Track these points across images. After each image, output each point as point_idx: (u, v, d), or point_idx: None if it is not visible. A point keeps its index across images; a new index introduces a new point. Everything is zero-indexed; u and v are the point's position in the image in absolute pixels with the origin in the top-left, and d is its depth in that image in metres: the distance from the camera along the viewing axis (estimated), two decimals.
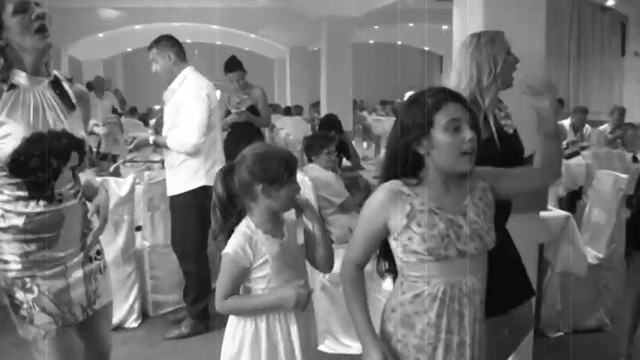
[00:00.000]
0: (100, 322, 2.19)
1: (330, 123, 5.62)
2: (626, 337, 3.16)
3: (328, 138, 4.14)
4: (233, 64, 5.28)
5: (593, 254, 3.78)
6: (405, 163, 1.70)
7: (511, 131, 2.38)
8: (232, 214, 2.05)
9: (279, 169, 1.96)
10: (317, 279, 3.35)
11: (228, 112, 5.28)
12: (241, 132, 5.16)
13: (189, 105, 3.50)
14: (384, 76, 17.00)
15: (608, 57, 10.06)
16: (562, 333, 3.69)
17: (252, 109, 5.31)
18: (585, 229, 3.99)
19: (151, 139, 3.81)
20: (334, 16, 8.38)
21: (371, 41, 15.68)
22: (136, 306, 3.92)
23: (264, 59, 15.26)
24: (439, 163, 1.68)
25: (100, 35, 12.76)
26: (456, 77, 2.34)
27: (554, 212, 3.51)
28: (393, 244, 1.73)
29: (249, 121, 5.26)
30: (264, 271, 1.99)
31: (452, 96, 1.68)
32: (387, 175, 1.75)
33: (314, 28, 9.18)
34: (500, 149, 2.26)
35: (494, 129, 2.25)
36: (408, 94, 10.62)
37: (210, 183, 3.49)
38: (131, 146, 3.93)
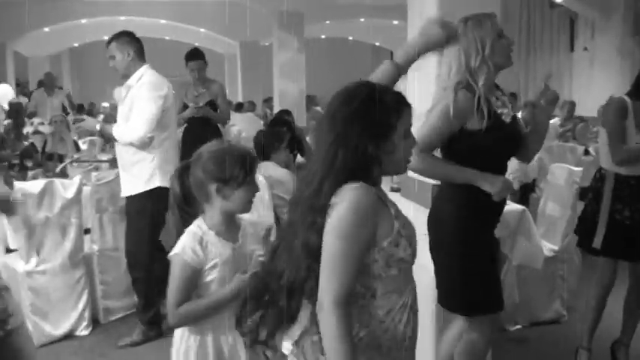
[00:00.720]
0: (19, 342, 2.06)
1: (282, 119, 5.50)
2: (587, 330, 3.17)
3: (280, 134, 4.05)
4: (195, 53, 5.13)
5: (548, 247, 3.81)
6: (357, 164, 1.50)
7: (508, 119, 2.35)
8: (191, 215, 1.95)
9: (235, 169, 1.87)
10: None
11: (185, 106, 5.10)
12: (198, 129, 5.01)
13: (143, 99, 3.42)
14: (337, 71, 16.95)
15: (558, 52, 10.28)
16: (520, 326, 3.72)
17: (211, 105, 5.15)
18: (540, 223, 4.03)
19: (98, 126, 3.72)
20: (284, 10, 8.29)
21: (323, 36, 15.62)
22: (86, 313, 3.76)
23: (215, 54, 14.98)
24: (387, 168, 1.53)
25: (46, 30, 12.29)
26: (446, 66, 2.32)
27: (509, 206, 3.48)
28: (372, 257, 1.47)
29: (208, 116, 5.09)
30: (211, 275, 1.89)
31: (407, 101, 1.57)
32: (342, 175, 1.45)
33: (265, 23, 9.07)
34: (495, 138, 2.26)
35: (486, 117, 2.23)
36: None
37: (166, 184, 3.42)
38: (76, 130, 3.78)
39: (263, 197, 3.32)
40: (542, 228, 3.96)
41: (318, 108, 12.31)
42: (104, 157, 5.35)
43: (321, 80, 16.08)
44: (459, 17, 2.37)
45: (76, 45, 15.36)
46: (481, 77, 2.24)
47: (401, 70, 1.89)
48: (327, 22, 12.40)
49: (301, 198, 1.51)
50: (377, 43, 15.89)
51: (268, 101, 9.63)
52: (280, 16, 8.37)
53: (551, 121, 7.67)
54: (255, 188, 1.95)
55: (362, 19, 12.41)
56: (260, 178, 3.41)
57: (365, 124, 1.46)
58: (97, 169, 4.87)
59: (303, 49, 8.44)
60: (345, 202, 1.42)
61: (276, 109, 7.88)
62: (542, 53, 10.72)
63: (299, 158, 5.50)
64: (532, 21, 10.98)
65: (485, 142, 2.25)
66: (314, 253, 1.45)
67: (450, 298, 2.41)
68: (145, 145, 3.42)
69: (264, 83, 10.74)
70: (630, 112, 2.93)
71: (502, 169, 2.39)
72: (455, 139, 2.30)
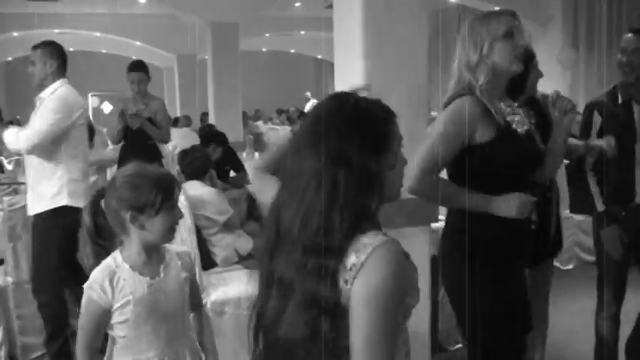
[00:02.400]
0: None
1: (209, 135, 5.30)
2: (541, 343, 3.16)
3: (206, 151, 3.88)
4: (137, 65, 4.89)
5: None
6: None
7: (521, 130, 2.08)
8: (107, 249, 1.76)
9: (150, 194, 1.68)
10: None
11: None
12: (136, 146, 4.71)
13: (45, 111, 3.29)
14: (280, 84, 16.87)
15: None
16: (460, 345, 3.64)
17: (150, 123, 4.84)
18: None
19: None
20: (220, 22, 8.11)
21: (264, 49, 15.52)
22: (2, 352, 3.49)
23: (153, 68, 14.68)
24: (385, 190, 1.29)
25: None
26: (457, 58, 2.13)
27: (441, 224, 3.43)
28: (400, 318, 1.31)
29: (146, 130, 4.75)
30: (124, 315, 1.70)
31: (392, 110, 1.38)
32: (351, 206, 1.22)
33: (202, 35, 8.89)
34: (507, 150, 2.02)
35: (496, 125, 2.01)
36: (310, 103, 10.52)
37: (73, 203, 3.25)
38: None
39: (185, 220, 3.14)
40: None
41: (260, 122, 12.18)
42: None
43: (263, 94, 16.01)
44: (384, 27, 2.29)
45: (9, 59, 14.79)
46: (480, 77, 2.03)
47: None
48: (267, 34, 12.30)
49: (289, 233, 1.26)
50: (319, 56, 15.87)
51: (205, 116, 9.38)
52: (215, 28, 8.19)
53: None
54: (176, 214, 1.77)
55: (302, 32, 12.36)
56: (182, 199, 3.23)
57: (363, 138, 1.25)
58: (16, 192, 4.59)
59: (239, 62, 8.26)
60: (380, 267, 1.19)
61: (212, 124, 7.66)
62: None
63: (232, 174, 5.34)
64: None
65: (496, 155, 2.00)
66: (320, 305, 1.20)
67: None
68: (32, 151, 3.29)
69: (202, 97, 10.52)
70: None
71: (520, 189, 2.06)
72: (462, 155, 2.03)
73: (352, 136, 1.25)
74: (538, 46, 8.47)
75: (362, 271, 1.18)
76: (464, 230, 2.01)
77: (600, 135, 2.86)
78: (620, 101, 2.84)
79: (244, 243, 3.65)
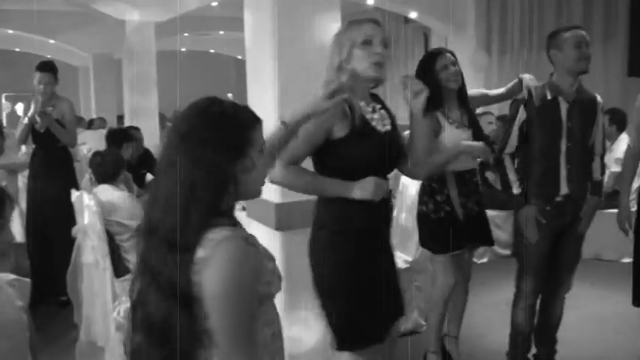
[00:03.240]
0: None
1: (117, 134, 5.10)
2: (434, 334, 3.27)
3: (118, 154, 3.74)
4: (45, 66, 4.63)
5: (402, 258, 3.81)
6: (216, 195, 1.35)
7: (381, 128, 2.23)
8: None
9: None
10: (110, 318, 2.97)
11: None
12: (47, 151, 4.52)
13: None
14: (200, 85, 16.58)
15: (413, 66, 10.64)
16: None
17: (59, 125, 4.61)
18: (395, 234, 4.01)
19: None
20: (136, 20, 7.87)
21: (183, 49, 15.22)
22: None
23: (68, 67, 14.13)
24: (244, 189, 1.40)
25: None
26: (328, 60, 2.27)
27: None
28: None
29: (53, 132, 4.55)
30: None
31: (257, 115, 1.46)
32: (206, 203, 1.31)
33: (118, 34, 8.59)
34: (362, 145, 2.15)
35: (350, 121, 2.13)
36: None
37: None
38: None
39: (94, 226, 3.02)
40: (396, 239, 3.96)
41: None
42: None
43: (182, 95, 15.67)
44: (296, 27, 2.30)
45: None
46: (342, 79, 2.18)
47: None
48: (186, 34, 12.06)
49: (156, 228, 1.34)
50: (240, 57, 15.74)
51: (122, 118, 9.08)
52: (132, 27, 7.94)
53: (406, 133, 7.87)
54: (6, 237, 1.67)
55: (221, 32, 12.20)
56: (92, 205, 3.12)
57: (220, 142, 1.34)
58: None
59: (155, 62, 8.04)
60: (225, 260, 1.27)
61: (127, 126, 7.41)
62: (399, 67, 11.11)
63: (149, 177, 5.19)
64: (388, 36, 11.33)
65: (351, 149, 2.14)
66: (175, 295, 1.29)
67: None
68: None
69: (119, 98, 10.20)
70: (442, 120, 3.04)
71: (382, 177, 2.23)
72: (323, 149, 2.17)
73: (209, 140, 1.33)
74: (453, 49, 8.70)
75: (207, 265, 1.27)
76: (326, 213, 2.21)
77: (523, 130, 2.96)
78: (548, 97, 2.93)
79: None
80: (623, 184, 3.23)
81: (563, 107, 2.92)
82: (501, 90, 3.28)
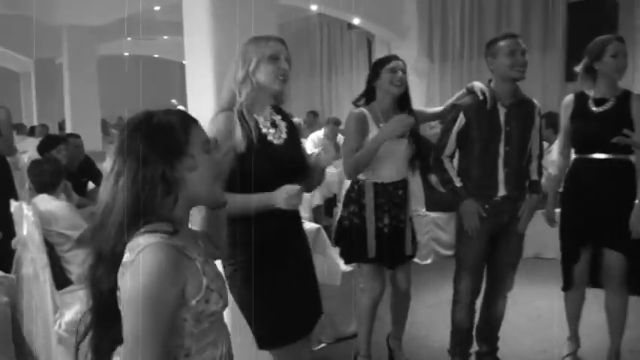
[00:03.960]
0: None
1: (50, 140, 4.93)
2: (364, 340, 3.30)
3: (57, 162, 3.66)
4: None
5: None
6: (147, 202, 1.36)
7: (278, 141, 2.31)
8: None
9: None
10: (52, 331, 2.90)
11: None
12: None
13: None
14: (143, 90, 16.29)
15: (357, 71, 10.74)
16: (325, 344, 3.72)
17: None
18: None
19: None
20: (76, 25, 7.70)
21: (125, 53, 14.93)
22: None
23: (9, 73, 13.69)
24: (195, 189, 1.42)
25: None
26: (229, 73, 2.33)
27: (304, 225, 3.49)
28: (182, 317, 1.34)
29: None
30: None
31: (192, 117, 1.50)
32: (144, 215, 1.34)
33: (60, 39, 8.37)
34: (257, 159, 2.20)
35: (247, 137, 2.21)
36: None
37: None
38: None
39: (33, 238, 2.94)
40: None
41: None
42: None
43: (125, 100, 15.36)
44: (232, 35, 2.32)
45: None
46: (243, 93, 2.26)
47: None
48: (129, 38, 11.85)
49: (97, 239, 1.39)
50: (184, 62, 15.55)
51: (63, 124, 8.85)
52: (72, 31, 7.75)
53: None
54: None
55: (165, 37, 12.04)
56: (29, 215, 3.04)
57: (157, 150, 1.37)
58: None
59: (95, 67, 7.87)
60: (142, 267, 1.25)
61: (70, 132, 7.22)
62: (343, 72, 11.21)
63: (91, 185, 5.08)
64: (332, 41, 11.45)
65: (250, 163, 2.20)
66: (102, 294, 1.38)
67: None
68: None
69: (60, 104, 9.93)
70: (371, 123, 3.09)
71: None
72: (235, 166, 2.21)
73: (145, 151, 1.35)
74: (396, 54, 8.83)
75: (129, 269, 1.27)
76: (234, 227, 2.18)
77: (461, 135, 3.05)
78: (488, 104, 3.03)
79: None
80: (550, 179, 3.43)
81: (502, 112, 3.03)
82: (451, 99, 3.29)
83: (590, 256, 3.22)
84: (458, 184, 3.06)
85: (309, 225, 3.38)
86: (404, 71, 3.11)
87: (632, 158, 3.09)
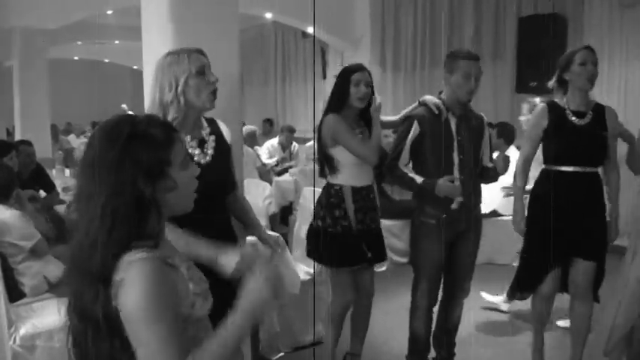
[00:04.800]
0: None
1: (1, 152, 4.63)
2: (333, 349, 3.34)
3: (8, 170, 3.55)
4: None
5: (304, 270, 3.86)
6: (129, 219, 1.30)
7: (204, 161, 2.26)
8: None
9: None
10: (7, 346, 2.81)
11: None
12: None
13: None
14: (94, 95, 15.98)
15: (312, 80, 10.79)
16: (283, 353, 3.72)
17: None
18: (296, 245, 4.08)
19: None
20: (27, 27, 7.48)
21: (75, 58, 14.60)
22: None
23: None
24: (173, 207, 1.38)
25: None
26: (150, 96, 2.24)
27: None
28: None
29: None
30: None
31: (175, 128, 1.43)
32: (122, 234, 1.27)
33: (7, 41, 8.12)
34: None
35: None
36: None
37: None
38: None
39: None
40: (297, 250, 4.01)
41: (72, 136, 11.44)
42: None
43: (75, 105, 15.03)
44: (192, 44, 2.29)
45: None
46: (172, 113, 2.18)
47: None
48: (79, 42, 11.60)
49: (75, 261, 1.32)
50: (135, 67, 15.31)
51: (12, 130, 8.57)
52: (22, 34, 7.53)
53: (307, 145, 7.96)
54: None
55: (117, 41, 11.83)
56: None
57: (136, 166, 1.28)
58: None
59: (46, 71, 7.65)
60: (137, 282, 1.23)
61: (18, 138, 7.01)
62: (297, 81, 11.24)
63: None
64: (286, 50, 11.48)
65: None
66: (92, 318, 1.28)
67: None
68: None
69: (8, 109, 9.62)
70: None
71: (206, 212, 2.02)
72: None
73: (123, 165, 1.27)
74: (348, 63, 8.89)
75: (122, 288, 1.24)
76: None
77: (416, 143, 3.11)
78: (442, 117, 3.10)
79: (54, 269, 3.38)
80: (516, 190, 3.32)
81: (453, 122, 3.12)
82: (405, 111, 3.34)
83: (561, 265, 3.18)
84: (419, 179, 3.09)
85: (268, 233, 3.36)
86: (368, 85, 3.12)
87: (599, 170, 3.16)
